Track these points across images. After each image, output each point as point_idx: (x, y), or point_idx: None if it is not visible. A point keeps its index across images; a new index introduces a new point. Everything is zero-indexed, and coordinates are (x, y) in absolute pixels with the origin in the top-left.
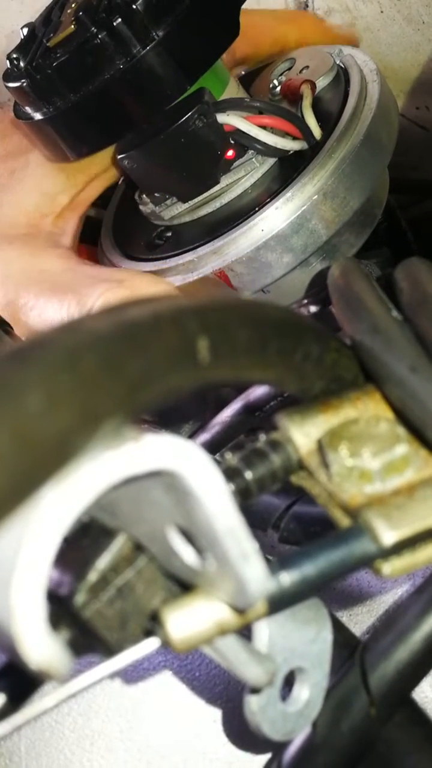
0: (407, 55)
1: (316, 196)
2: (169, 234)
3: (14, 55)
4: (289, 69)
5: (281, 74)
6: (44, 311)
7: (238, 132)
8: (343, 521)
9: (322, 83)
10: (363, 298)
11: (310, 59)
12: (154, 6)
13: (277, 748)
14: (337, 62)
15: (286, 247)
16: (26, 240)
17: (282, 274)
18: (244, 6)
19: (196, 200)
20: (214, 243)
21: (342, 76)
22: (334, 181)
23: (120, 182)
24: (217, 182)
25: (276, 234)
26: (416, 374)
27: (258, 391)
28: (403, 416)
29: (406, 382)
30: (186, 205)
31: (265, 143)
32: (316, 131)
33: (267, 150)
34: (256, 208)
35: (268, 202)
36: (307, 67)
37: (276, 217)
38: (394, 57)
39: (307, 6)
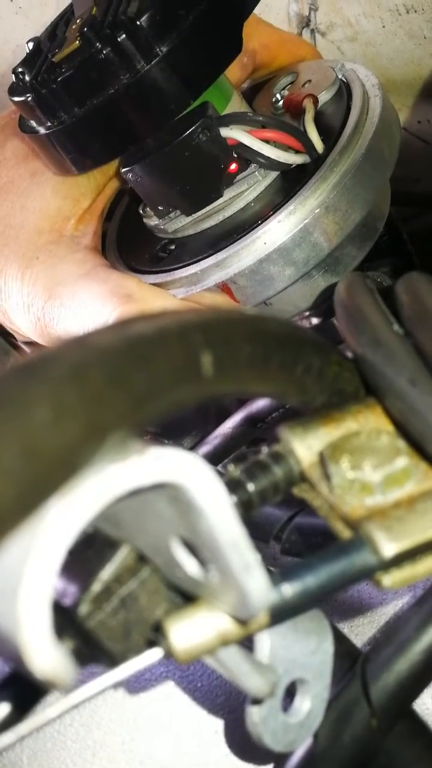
0: (409, 69)
1: (318, 210)
2: (173, 247)
3: (20, 70)
4: (292, 83)
5: (284, 88)
6: (68, 326)
7: (241, 146)
8: (344, 533)
9: (324, 97)
10: (365, 312)
11: (312, 74)
12: (158, 22)
13: (278, 759)
14: (340, 77)
15: (289, 260)
16: (50, 249)
17: (284, 287)
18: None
19: (199, 213)
20: (217, 256)
21: (344, 91)
22: (336, 194)
23: (124, 195)
24: (221, 195)
25: (278, 247)
26: (416, 387)
27: (260, 403)
28: (403, 429)
29: (406, 395)
30: (189, 218)
31: (267, 157)
32: (319, 145)
33: (270, 164)
34: (259, 222)
35: (271, 215)
36: (310, 81)
37: (278, 230)
38: (396, 71)
39: (309, 21)
